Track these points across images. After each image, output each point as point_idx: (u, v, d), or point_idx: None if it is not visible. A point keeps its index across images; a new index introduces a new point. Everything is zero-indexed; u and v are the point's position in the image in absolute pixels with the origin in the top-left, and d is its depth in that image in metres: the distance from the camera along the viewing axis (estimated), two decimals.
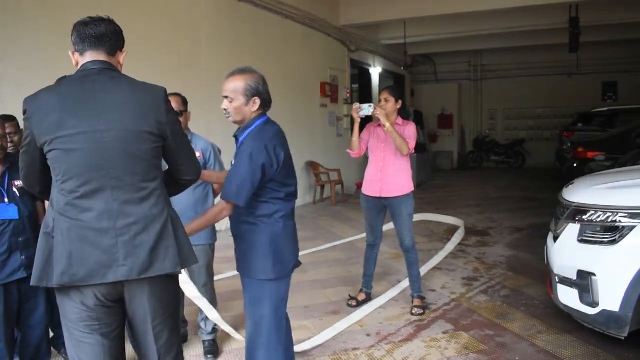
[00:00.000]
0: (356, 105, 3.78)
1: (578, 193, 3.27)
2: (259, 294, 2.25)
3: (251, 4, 7.55)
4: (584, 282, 2.92)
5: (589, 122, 10.50)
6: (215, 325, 3.15)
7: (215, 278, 3.33)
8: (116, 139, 1.71)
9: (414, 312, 3.82)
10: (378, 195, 3.83)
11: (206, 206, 3.07)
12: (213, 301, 3.20)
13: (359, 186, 4.37)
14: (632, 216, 2.80)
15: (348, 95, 10.88)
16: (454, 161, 15.52)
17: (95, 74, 1.76)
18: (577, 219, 3.06)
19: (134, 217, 1.74)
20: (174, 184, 1.98)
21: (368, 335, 3.50)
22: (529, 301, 4.04)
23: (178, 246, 1.81)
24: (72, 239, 1.69)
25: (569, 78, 14.19)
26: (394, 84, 12.36)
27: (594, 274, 2.87)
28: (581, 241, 3.00)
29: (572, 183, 3.64)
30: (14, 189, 2.55)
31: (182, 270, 1.98)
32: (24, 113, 1.73)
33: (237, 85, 2.20)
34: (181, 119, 3.02)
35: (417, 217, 5.73)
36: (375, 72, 12.38)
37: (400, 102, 3.83)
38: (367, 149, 3.92)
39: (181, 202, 2.67)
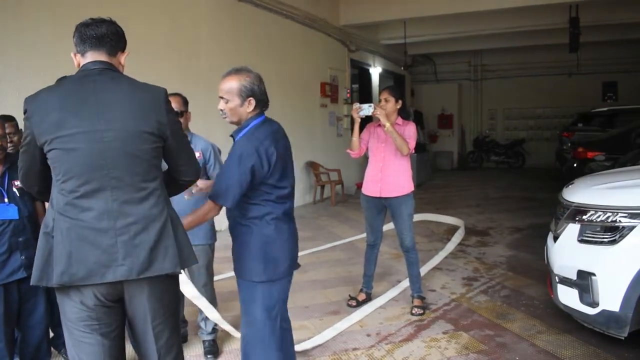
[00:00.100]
0: (356, 105, 3.78)
1: (578, 193, 3.27)
2: (251, 296, 2.25)
3: (251, 4, 7.55)
4: (584, 282, 2.92)
5: (589, 122, 10.50)
6: (215, 325, 3.15)
7: (215, 278, 3.33)
8: (116, 139, 1.71)
9: (414, 312, 3.82)
10: (378, 195, 3.83)
11: None
12: (213, 301, 3.20)
13: (359, 186, 4.37)
14: (632, 216, 2.80)
15: (348, 95, 10.87)
16: (454, 161, 15.51)
17: (95, 74, 1.76)
18: (577, 219, 3.06)
19: (133, 217, 1.74)
20: (173, 184, 1.98)
21: (368, 335, 3.50)
22: (529, 301, 4.04)
23: (178, 246, 1.81)
24: (72, 239, 1.69)
25: (569, 78, 14.19)
26: (394, 84, 12.36)
27: (594, 274, 2.87)
28: (581, 241, 3.00)
29: (572, 183, 3.64)
30: (14, 189, 2.56)
31: (182, 270, 1.98)
32: (25, 113, 1.74)
33: (231, 85, 2.19)
34: (182, 120, 3.02)
35: (417, 217, 5.73)
36: (375, 72, 12.38)
37: (400, 102, 3.83)
38: (367, 149, 3.92)
39: (181, 202, 2.66)
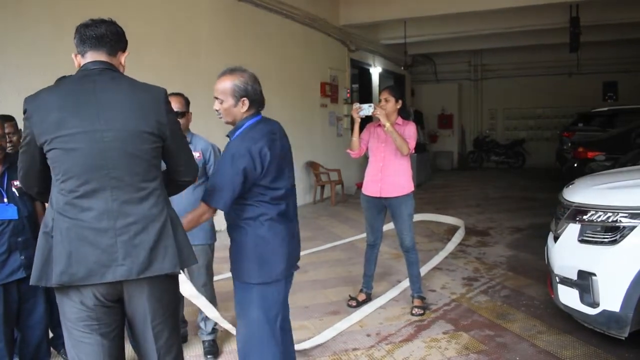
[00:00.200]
0: (356, 105, 3.77)
1: (578, 193, 3.26)
2: (247, 298, 2.21)
3: (251, 4, 7.54)
4: (584, 282, 2.92)
5: (589, 122, 10.49)
6: (215, 325, 3.15)
7: (215, 278, 3.33)
8: (116, 139, 1.71)
9: (414, 312, 3.82)
10: (378, 195, 3.82)
11: None
12: (212, 301, 3.19)
13: (359, 186, 4.36)
14: (633, 216, 2.80)
15: (348, 95, 10.87)
16: (454, 161, 15.51)
17: (95, 74, 1.76)
18: (577, 219, 3.06)
19: (133, 217, 1.74)
20: (171, 184, 1.97)
21: (368, 335, 3.49)
22: (529, 301, 4.04)
23: (177, 246, 1.80)
24: (72, 239, 1.69)
25: (569, 78, 14.19)
26: (394, 83, 12.35)
27: (594, 274, 2.87)
28: (581, 241, 3.00)
29: (573, 183, 3.64)
30: (13, 189, 2.55)
31: (181, 270, 1.97)
32: (24, 112, 1.73)
33: (225, 86, 2.17)
34: (183, 120, 3.02)
35: (417, 217, 5.73)
36: (375, 72, 12.38)
37: (400, 102, 3.83)
38: (367, 149, 3.91)
39: (181, 202, 2.66)
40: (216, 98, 2.20)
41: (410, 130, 3.77)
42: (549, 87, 14.77)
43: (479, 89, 16.15)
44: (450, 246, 5.79)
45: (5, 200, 2.51)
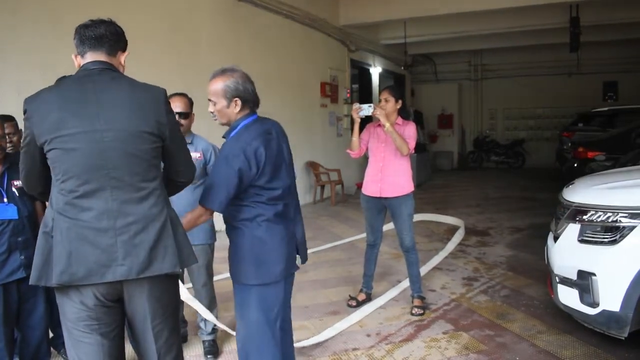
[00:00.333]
0: (356, 105, 3.77)
1: (578, 193, 3.26)
2: (246, 299, 2.20)
3: (251, 4, 7.55)
4: (584, 282, 2.92)
5: (589, 122, 10.50)
6: (215, 325, 3.15)
7: (215, 278, 3.33)
8: (116, 139, 1.71)
9: (414, 312, 3.82)
10: (378, 195, 3.83)
11: None
12: (212, 301, 3.20)
13: (359, 186, 4.36)
14: (633, 216, 2.80)
15: (348, 95, 10.88)
16: (454, 161, 15.51)
17: (95, 74, 1.77)
18: (577, 219, 3.06)
19: (133, 217, 1.74)
20: (170, 185, 1.97)
21: (368, 335, 3.49)
22: (529, 301, 4.04)
23: (177, 246, 1.80)
24: (72, 239, 1.69)
25: (569, 78, 14.19)
26: (394, 83, 12.35)
27: (594, 274, 2.87)
28: (581, 241, 3.00)
29: (573, 183, 3.64)
30: (13, 189, 2.55)
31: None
32: (24, 113, 1.74)
33: (217, 87, 2.15)
34: (187, 121, 3.02)
35: (417, 217, 5.73)
36: (375, 72, 12.38)
37: (400, 102, 3.83)
38: (367, 149, 3.92)
39: (180, 202, 2.66)
40: (210, 100, 2.19)
41: (410, 131, 3.77)
42: (549, 87, 14.77)
43: (479, 89, 16.15)
44: (450, 246, 5.79)
45: (5, 200, 2.51)
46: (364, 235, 4.55)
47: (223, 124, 2.25)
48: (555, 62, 14.10)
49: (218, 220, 2.72)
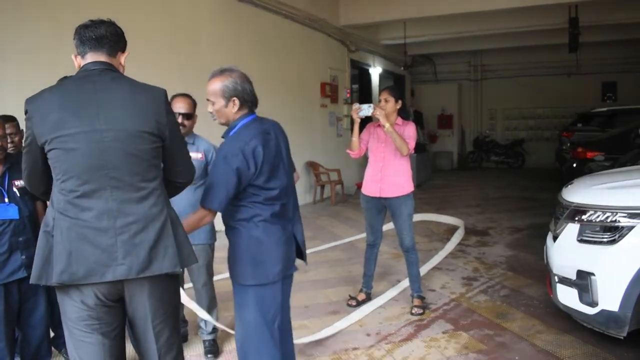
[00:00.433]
0: (356, 105, 3.78)
1: (577, 193, 3.27)
2: (244, 299, 2.20)
3: (251, 4, 7.55)
4: (583, 281, 2.93)
5: (588, 122, 10.51)
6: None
7: (215, 278, 3.34)
8: (116, 139, 1.72)
9: (413, 311, 3.83)
10: (378, 195, 3.83)
11: None
12: (212, 300, 3.21)
13: (359, 186, 4.37)
14: (632, 216, 2.80)
15: (348, 95, 10.88)
16: (454, 161, 15.52)
17: (96, 75, 1.77)
18: (576, 218, 3.06)
19: (133, 217, 1.74)
20: (169, 186, 1.96)
21: (368, 335, 3.50)
22: (529, 301, 4.04)
23: (177, 246, 1.81)
24: (72, 238, 1.70)
25: (568, 78, 14.21)
26: (394, 84, 12.36)
27: (593, 274, 2.87)
28: (580, 241, 3.01)
29: (572, 183, 3.65)
30: (14, 189, 2.56)
31: None
32: (25, 113, 1.74)
33: (215, 87, 2.16)
34: (189, 122, 3.03)
35: (417, 217, 5.74)
36: (375, 72, 12.39)
37: (400, 102, 3.83)
38: (367, 149, 3.92)
39: (181, 202, 2.67)
40: (208, 100, 2.20)
41: (409, 131, 3.78)
42: (548, 87, 14.79)
43: (478, 89, 16.16)
44: (450, 246, 5.80)
45: (6, 200, 2.52)
46: (363, 235, 4.55)
47: (222, 124, 2.26)
48: (554, 62, 14.11)
49: (218, 220, 2.71)
